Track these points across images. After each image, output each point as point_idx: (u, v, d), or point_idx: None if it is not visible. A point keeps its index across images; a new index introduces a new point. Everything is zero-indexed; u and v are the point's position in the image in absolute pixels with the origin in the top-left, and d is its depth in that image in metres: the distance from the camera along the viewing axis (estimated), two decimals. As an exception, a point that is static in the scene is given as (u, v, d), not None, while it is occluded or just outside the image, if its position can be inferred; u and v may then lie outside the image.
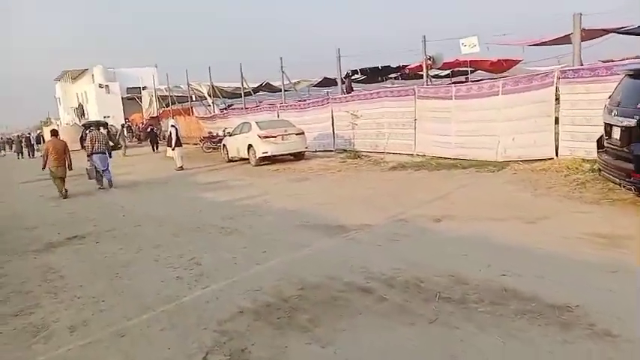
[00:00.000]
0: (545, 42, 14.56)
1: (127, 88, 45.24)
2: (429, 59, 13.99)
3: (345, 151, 16.58)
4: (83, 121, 37.00)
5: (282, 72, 21.82)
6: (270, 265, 5.10)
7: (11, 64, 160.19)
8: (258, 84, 28.98)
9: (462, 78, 23.99)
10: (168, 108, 37.39)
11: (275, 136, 14.80)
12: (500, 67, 21.23)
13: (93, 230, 7.49)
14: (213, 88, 28.79)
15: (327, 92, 27.65)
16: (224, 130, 25.01)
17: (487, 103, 11.29)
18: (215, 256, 5.55)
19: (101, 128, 33.15)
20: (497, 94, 11.04)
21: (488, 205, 6.91)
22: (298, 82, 30.59)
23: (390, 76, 26.42)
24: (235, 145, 16.71)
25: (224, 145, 17.92)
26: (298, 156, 15.55)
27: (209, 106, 32.25)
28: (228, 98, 31.66)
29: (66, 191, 11.95)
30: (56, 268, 5.66)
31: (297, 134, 15.19)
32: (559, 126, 9.87)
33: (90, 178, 13.09)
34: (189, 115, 36.99)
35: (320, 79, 28.74)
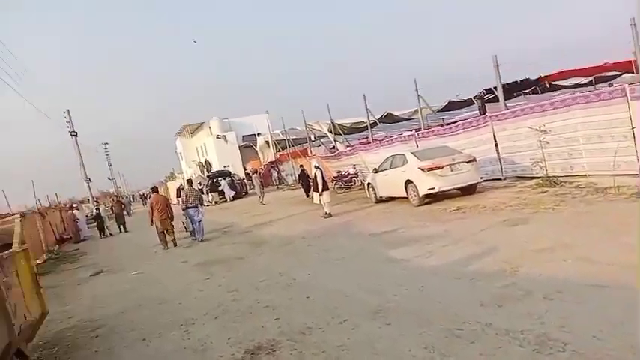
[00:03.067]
0: None
1: (243, 137, 45.66)
2: None
3: (519, 178, 13.30)
4: (207, 174, 37.33)
5: (418, 95, 19.16)
6: None
7: (132, 126, 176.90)
8: (379, 115, 26.41)
9: (606, 85, 19.77)
10: (285, 151, 36.59)
11: (441, 167, 11.96)
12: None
13: (278, 332, 5.09)
14: (333, 125, 26.91)
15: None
16: (354, 167, 22.90)
17: None
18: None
19: (225, 178, 33.57)
20: None
21: None
22: (416, 110, 27.92)
23: (524, 91, 22.70)
24: (386, 183, 14.15)
25: (369, 183, 15.44)
26: (469, 190, 12.55)
27: (331, 144, 30.60)
28: (349, 134, 29.65)
29: (174, 242, 13.45)
30: None
31: (467, 162, 12.22)
32: None
33: (187, 231, 14.27)
34: (306, 155, 35.80)
35: (445, 103, 25.44)
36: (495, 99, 22.18)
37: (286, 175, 35.75)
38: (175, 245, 13.41)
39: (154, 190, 15.25)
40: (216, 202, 30.71)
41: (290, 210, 18.24)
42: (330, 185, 23.41)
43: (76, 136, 33.10)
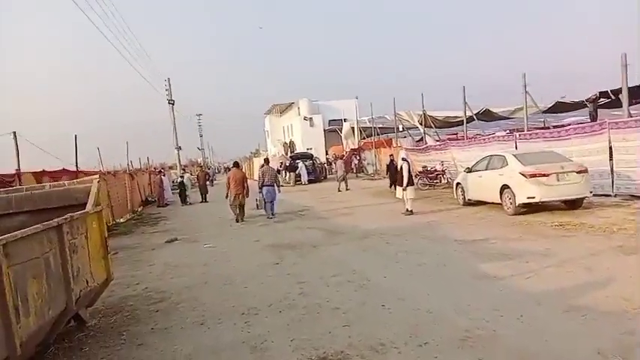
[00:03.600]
0: None
1: (329, 121, 45.37)
2: None
3: (633, 197, 11.62)
4: (291, 154, 37.50)
5: (526, 91, 17.44)
6: None
7: (230, 104, 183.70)
8: (476, 111, 24.60)
9: None
10: (369, 139, 35.73)
11: (547, 175, 10.62)
12: None
13: (347, 343, 4.48)
14: (425, 116, 25.60)
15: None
16: (442, 164, 21.62)
17: None
18: None
19: (307, 160, 33.48)
20: None
21: None
22: (519, 108, 25.77)
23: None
24: (478, 185, 12.95)
25: (458, 183, 14.28)
26: (575, 204, 11.10)
27: (418, 136, 29.35)
28: (440, 127, 28.18)
29: (242, 219, 13.82)
30: None
31: (578, 172, 10.76)
32: None
33: (259, 208, 14.49)
34: (391, 146, 34.69)
35: (551, 104, 23.03)
36: (610, 104, 19.82)
37: (367, 164, 34.92)
38: (243, 220, 13.94)
39: (235, 164, 15.76)
40: (293, 184, 30.68)
41: (369, 200, 17.52)
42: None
43: (173, 104, 34.48)
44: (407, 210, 12.69)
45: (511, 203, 11.26)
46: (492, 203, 12.42)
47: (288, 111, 50.92)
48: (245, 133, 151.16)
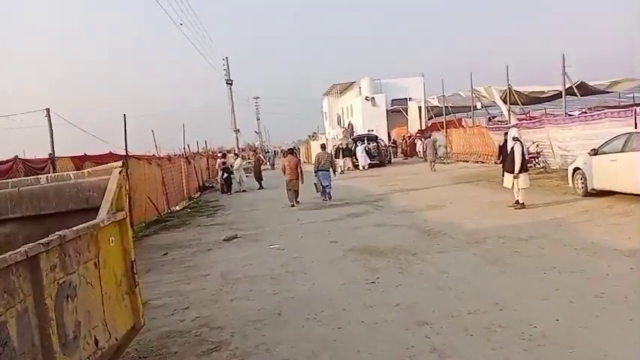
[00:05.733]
0: None
1: (392, 100, 42.44)
2: None
3: None
4: (353, 136, 35.00)
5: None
6: None
7: (285, 82, 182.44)
8: (569, 85, 21.02)
9: None
10: (439, 119, 32.71)
11: None
12: None
13: None
14: (510, 92, 22.36)
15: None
16: (536, 145, 18.59)
17: None
18: None
19: (371, 142, 30.89)
20: None
21: None
22: (616, 81, 22.04)
23: None
24: (610, 171, 10.13)
25: (577, 168, 11.45)
26: None
27: (499, 115, 26.13)
28: (525, 104, 24.84)
29: (297, 202, 14.18)
30: None
31: None
32: None
33: (317, 191, 14.69)
34: (460, 126, 31.50)
35: None
36: None
37: (439, 147, 31.71)
38: (298, 202, 14.23)
39: (290, 151, 16.52)
40: (348, 169, 27.69)
41: (456, 189, 14.97)
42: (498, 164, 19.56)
43: (231, 84, 32.95)
44: (517, 202, 10.13)
45: (666, 196, 8.47)
46: (631, 194, 9.63)
47: (348, 91, 48.26)
48: (303, 116, 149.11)
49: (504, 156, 11.49)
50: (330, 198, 14.37)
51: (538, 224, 8.44)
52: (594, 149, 10.85)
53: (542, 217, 9.04)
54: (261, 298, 5.70)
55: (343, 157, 27.30)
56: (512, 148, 10.09)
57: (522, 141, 10.58)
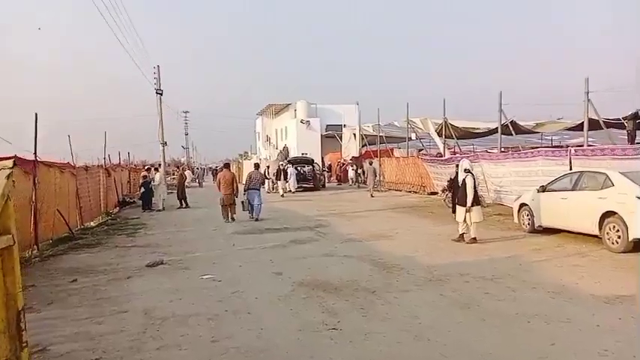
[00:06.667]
0: None
1: (327, 125, 42.28)
2: None
3: None
4: (289, 157, 34.13)
5: (588, 99, 14.64)
6: None
7: (215, 100, 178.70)
8: (505, 122, 21.59)
9: None
10: (372, 147, 32.73)
11: (684, 204, 7.70)
12: None
13: None
14: (446, 125, 22.63)
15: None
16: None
17: None
18: None
19: (305, 166, 30.10)
20: None
21: None
22: (541, 123, 23.10)
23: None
24: (559, 209, 9.99)
25: (522, 204, 11.28)
26: None
27: (421, 148, 26.33)
28: (460, 139, 25.31)
29: (232, 219, 14.25)
30: None
31: None
32: None
33: (243, 210, 14.65)
34: (391, 156, 31.66)
35: (579, 121, 19.99)
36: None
37: (361, 173, 31.45)
38: (234, 219, 14.25)
39: (226, 165, 16.58)
40: (283, 193, 26.35)
41: (396, 217, 14.47)
42: (439, 196, 19.50)
43: (161, 94, 30.90)
44: (461, 236, 9.67)
45: (619, 237, 8.32)
46: (579, 234, 9.51)
47: (283, 112, 47.57)
48: (234, 134, 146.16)
49: (455, 189, 11.10)
50: (258, 216, 14.41)
51: (496, 261, 7.93)
52: (542, 186, 10.72)
53: (497, 254, 8.58)
54: (197, 346, 4.53)
55: (285, 178, 26.04)
56: (464, 180, 9.65)
57: (474, 173, 10.21)
